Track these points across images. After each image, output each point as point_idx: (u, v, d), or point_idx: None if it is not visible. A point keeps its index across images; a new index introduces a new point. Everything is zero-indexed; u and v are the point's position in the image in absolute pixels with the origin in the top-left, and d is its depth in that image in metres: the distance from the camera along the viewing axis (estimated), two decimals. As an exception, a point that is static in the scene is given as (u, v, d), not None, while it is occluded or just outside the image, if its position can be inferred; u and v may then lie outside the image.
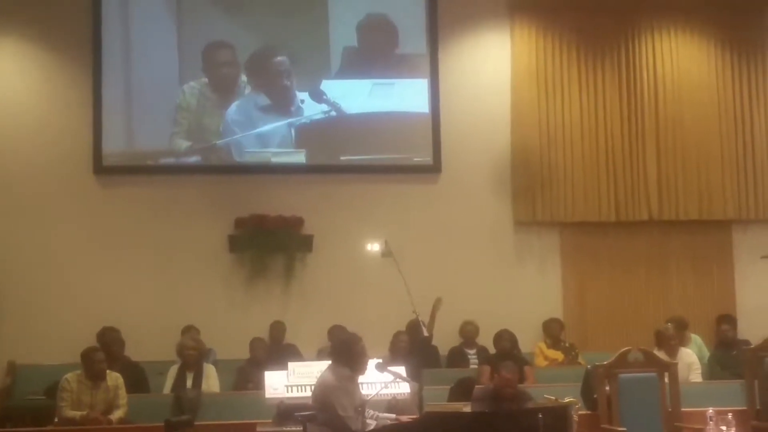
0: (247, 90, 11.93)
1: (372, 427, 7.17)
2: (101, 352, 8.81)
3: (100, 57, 11.60)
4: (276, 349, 10.68)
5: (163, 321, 10.87)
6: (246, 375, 10.00)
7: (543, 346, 11.18)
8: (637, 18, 12.33)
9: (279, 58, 11.93)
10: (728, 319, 11.39)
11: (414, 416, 7.37)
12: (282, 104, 11.89)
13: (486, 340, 10.96)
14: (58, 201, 11.43)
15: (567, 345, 11.17)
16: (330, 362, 7.39)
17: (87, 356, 8.63)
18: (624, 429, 8.09)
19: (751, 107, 12.32)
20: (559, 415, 6.83)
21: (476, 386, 8.78)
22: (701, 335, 11.10)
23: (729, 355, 10.37)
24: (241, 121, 11.80)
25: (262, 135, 11.81)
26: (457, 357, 11.01)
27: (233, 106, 11.84)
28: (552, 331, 11.32)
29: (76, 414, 8.36)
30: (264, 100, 11.89)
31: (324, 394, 7.09)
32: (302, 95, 11.88)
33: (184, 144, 11.71)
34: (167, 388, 9.45)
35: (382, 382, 7.61)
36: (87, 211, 11.47)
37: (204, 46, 11.82)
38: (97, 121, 11.52)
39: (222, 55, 11.88)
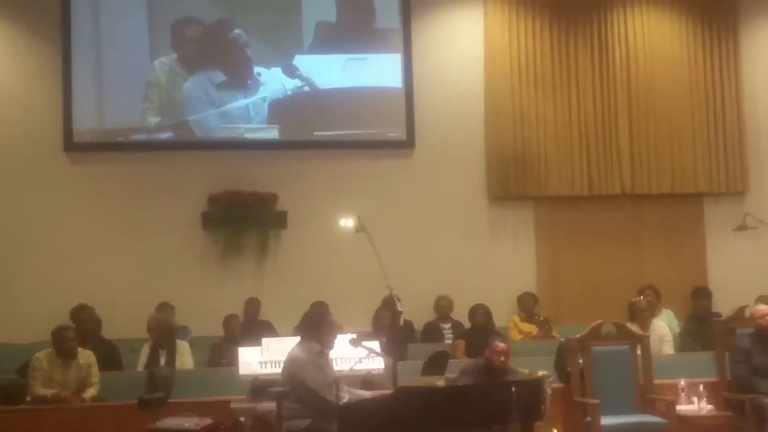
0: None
1: (346, 401, 7.18)
2: (71, 330, 8.77)
3: (69, 33, 11.48)
4: (250, 326, 10.65)
5: (137, 298, 10.79)
6: (220, 352, 9.97)
7: (517, 320, 11.21)
8: (610, -8, 12.33)
9: (236, 31, 11.84)
10: (704, 293, 11.41)
11: (388, 391, 7.38)
12: (238, 79, 11.80)
13: (461, 314, 11.00)
14: (29, 179, 11.33)
15: (541, 319, 11.18)
16: (299, 338, 7.39)
17: (57, 334, 8.56)
18: (597, 401, 8.14)
19: (722, 82, 12.35)
20: (532, 388, 6.89)
21: (467, 360, 8.86)
22: (673, 308, 11.16)
23: (700, 328, 10.42)
24: (199, 97, 11.70)
25: (230, 111, 11.72)
26: (431, 332, 11.04)
27: (189, 84, 11.72)
28: (526, 305, 11.36)
29: (48, 392, 8.30)
30: (220, 76, 11.78)
31: (294, 370, 7.08)
32: (274, 70, 11.83)
33: (155, 120, 11.62)
34: (141, 365, 9.40)
35: (356, 357, 7.62)
36: (58, 188, 11.39)
37: (172, 21, 11.74)
38: (67, 97, 11.42)
39: (190, 30, 11.78)
